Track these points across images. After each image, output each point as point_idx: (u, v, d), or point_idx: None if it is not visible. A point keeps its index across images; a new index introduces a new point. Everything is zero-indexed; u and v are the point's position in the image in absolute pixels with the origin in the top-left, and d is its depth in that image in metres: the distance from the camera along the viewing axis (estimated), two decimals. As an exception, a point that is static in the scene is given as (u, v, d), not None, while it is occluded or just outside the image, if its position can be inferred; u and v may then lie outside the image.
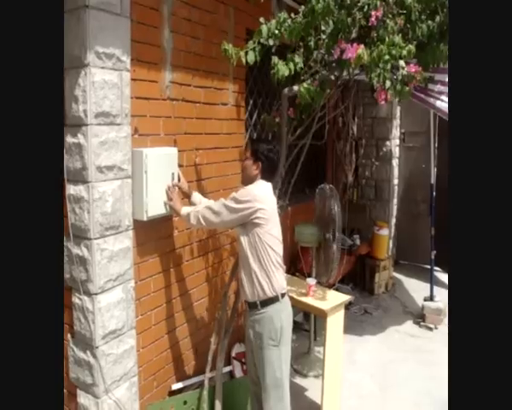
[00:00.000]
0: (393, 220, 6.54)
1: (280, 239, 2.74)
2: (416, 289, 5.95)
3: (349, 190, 6.15)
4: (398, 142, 6.47)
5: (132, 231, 2.76)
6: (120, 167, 2.61)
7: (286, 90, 3.03)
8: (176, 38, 2.96)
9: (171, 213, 2.91)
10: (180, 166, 3.08)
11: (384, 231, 5.87)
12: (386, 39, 2.60)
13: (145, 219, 2.75)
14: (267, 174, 2.76)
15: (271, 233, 2.65)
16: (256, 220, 2.59)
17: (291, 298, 3.39)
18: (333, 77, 2.94)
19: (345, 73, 2.96)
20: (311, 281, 3.47)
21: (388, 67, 2.59)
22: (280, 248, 2.73)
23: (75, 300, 2.64)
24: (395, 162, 6.44)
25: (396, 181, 6.50)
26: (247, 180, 2.75)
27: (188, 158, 3.20)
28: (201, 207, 2.76)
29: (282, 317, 2.67)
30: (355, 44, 2.57)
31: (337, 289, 5.12)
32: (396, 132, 6.40)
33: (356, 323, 5.01)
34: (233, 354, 3.78)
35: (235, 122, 3.70)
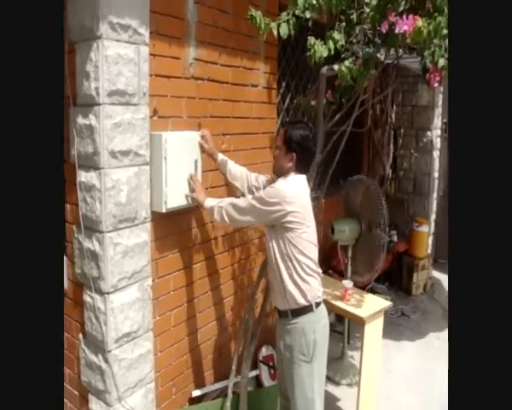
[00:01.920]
0: (433, 216, 6.12)
1: (315, 243, 2.42)
2: (457, 290, 5.52)
3: (386, 183, 5.77)
4: (439, 132, 6.03)
5: (150, 223, 2.50)
6: (137, 153, 2.34)
7: (324, 69, 2.70)
8: (201, 11, 2.66)
9: (193, 204, 2.63)
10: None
11: (424, 228, 5.49)
12: (445, 10, 2.23)
13: (164, 210, 2.48)
14: (302, 166, 2.42)
15: (305, 237, 2.33)
16: (287, 224, 2.28)
17: (324, 301, 3.09)
18: (379, 55, 2.59)
19: (392, 52, 2.61)
20: (348, 284, 3.15)
21: (446, 43, 2.23)
22: (315, 253, 2.41)
23: (86, 298, 2.40)
24: (436, 154, 6.00)
25: (436, 174, 6.07)
26: (279, 172, 2.43)
27: (214, 144, 2.90)
28: (226, 202, 2.46)
29: (315, 329, 2.37)
30: (410, 16, 2.22)
31: (372, 289, 4.81)
32: (438, 122, 5.97)
33: (392, 326, 4.65)
34: (260, 358, 3.49)
35: (266, 106, 3.38)
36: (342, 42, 2.46)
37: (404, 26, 2.24)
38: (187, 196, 2.59)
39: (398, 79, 5.61)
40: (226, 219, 2.42)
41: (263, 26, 2.36)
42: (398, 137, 5.90)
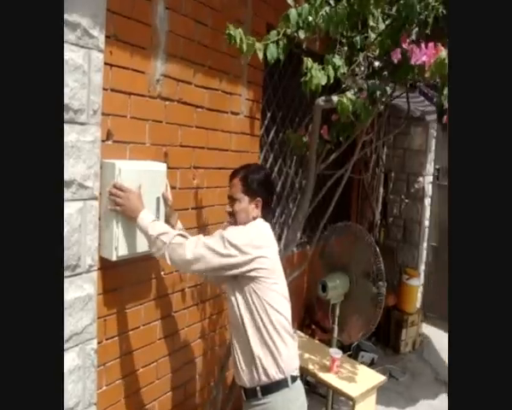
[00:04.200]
0: (422, 267, 5.73)
1: (287, 296, 1.98)
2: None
3: (375, 230, 5.35)
4: (431, 179, 5.71)
5: (97, 272, 2.00)
6: (82, 184, 1.86)
7: (321, 100, 2.29)
8: (173, 18, 2.23)
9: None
10: (172, 187, 2.33)
11: (414, 281, 5.06)
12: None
13: (114, 258, 1.99)
14: (267, 208, 2.05)
15: (275, 289, 1.90)
16: (253, 273, 1.84)
17: (308, 371, 2.60)
18: (388, 89, 2.19)
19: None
20: (336, 353, 2.67)
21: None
22: (287, 310, 1.97)
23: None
24: (427, 202, 5.65)
25: (427, 223, 5.71)
26: (245, 225, 1.99)
27: (182, 178, 2.45)
28: (173, 238, 1.89)
29: (290, 409, 1.90)
30: (431, 44, 1.84)
31: (358, 345, 4.35)
32: (430, 168, 5.64)
33: (379, 390, 4.14)
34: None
35: (248, 138, 2.94)
36: (344, 69, 2.05)
37: (423, 56, 1.86)
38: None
39: (389, 118, 5.30)
40: (169, 261, 1.89)
41: (244, 47, 1.95)
42: (388, 181, 5.53)
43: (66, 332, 1.89)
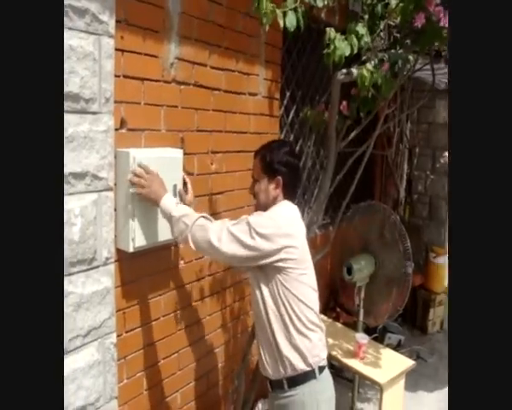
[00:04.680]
0: (450, 244, 5.57)
1: (315, 287, 1.89)
2: (478, 329, 4.95)
3: (400, 207, 5.22)
4: (458, 152, 5.51)
5: (115, 264, 1.95)
6: (96, 175, 1.80)
7: (340, 74, 2.17)
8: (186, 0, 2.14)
9: (170, 238, 2.04)
10: (189, 174, 2.26)
11: (441, 260, 4.92)
12: None
13: (131, 249, 1.94)
14: (292, 189, 1.93)
15: (303, 281, 1.81)
16: (280, 263, 1.75)
17: (333, 357, 2.53)
18: (411, 57, 2.06)
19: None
20: (362, 338, 2.60)
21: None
22: (316, 302, 1.89)
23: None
24: (454, 176, 5.47)
25: (454, 198, 5.54)
26: (265, 208, 1.90)
27: (200, 164, 2.37)
28: (196, 217, 1.82)
29: (319, 402, 1.83)
30: None
31: (384, 327, 4.26)
32: (456, 141, 5.45)
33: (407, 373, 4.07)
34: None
35: (267, 119, 2.84)
36: (367, 38, 1.93)
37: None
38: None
39: (412, 93, 5.11)
40: (192, 245, 1.81)
41: (268, 13, 1.82)
42: (412, 157, 5.36)
43: (84, 327, 1.86)
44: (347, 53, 1.90)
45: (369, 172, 5.01)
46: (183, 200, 2.08)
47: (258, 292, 1.84)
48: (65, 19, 1.61)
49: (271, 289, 1.79)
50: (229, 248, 1.74)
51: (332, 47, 1.86)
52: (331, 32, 1.87)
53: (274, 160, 1.86)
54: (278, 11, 1.79)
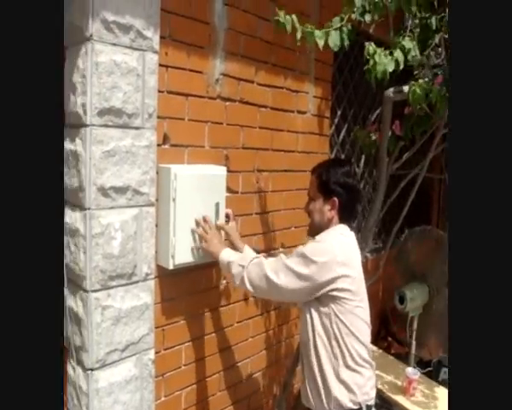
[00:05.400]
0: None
1: (368, 321, 1.77)
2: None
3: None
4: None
5: (155, 281, 1.94)
6: (137, 190, 1.80)
7: (390, 91, 2.08)
8: (233, 15, 2.12)
9: (208, 258, 2.02)
10: (233, 192, 2.23)
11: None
12: None
13: (171, 266, 1.92)
14: (348, 212, 1.81)
15: (358, 314, 1.70)
16: (336, 293, 1.65)
17: (381, 392, 2.38)
18: None
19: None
20: (413, 373, 2.42)
21: None
22: (367, 337, 1.76)
23: (69, 369, 1.88)
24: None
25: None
26: (319, 228, 1.82)
27: (245, 182, 2.33)
28: (250, 259, 1.82)
29: None
30: None
31: (440, 361, 4.01)
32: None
33: None
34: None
35: (316, 138, 2.77)
36: (416, 52, 1.83)
37: None
38: (195, 249, 1.97)
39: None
40: (248, 285, 1.78)
41: (298, 35, 1.79)
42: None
43: (122, 342, 1.85)
44: (391, 69, 1.80)
45: (424, 196, 4.80)
46: (228, 227, 2.08)
47: (308, 319, 1.74)
48: (109, 35, 1.64)
49: (322, 319, 1.70)
50: (286, 280, 1.68)
51: (372, 62, 1.78)
52: (370, 46, 1.79)
53: (330, 179, 1.77)
54: (318, 32, 1.75)
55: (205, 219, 1.95)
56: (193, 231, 1.95)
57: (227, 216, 2.10)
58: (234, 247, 2.04)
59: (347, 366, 1.68)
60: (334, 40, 1.85)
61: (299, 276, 1.66)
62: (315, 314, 1.72)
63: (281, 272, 1.70)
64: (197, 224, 1.95)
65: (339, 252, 1.67)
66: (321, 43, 1.81)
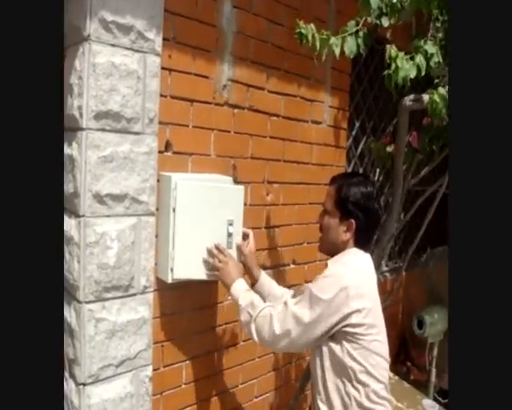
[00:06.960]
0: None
1: (387, 357, 1.61)
2: None
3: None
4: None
5: (154, 294, 1.85)
6: (136, 199, 1.72)
7: (408, 100, 1.95)
8: (242, 18, 2.03)
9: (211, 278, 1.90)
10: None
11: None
12: None
13: (169, 280, 1.82)
14: (365, 237, 1.67)
15: (374, 349, 1.55)
16: (348, 329, 1.51)
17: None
18: None
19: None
20: (431, 406, 2.26)
21: None
22: (385, 374, 1.60)
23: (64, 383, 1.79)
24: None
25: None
26: (332, 248, 1.69)
27: (254, 194, 2.23)
28: (260, 312, 1.65)
29: None
30: None
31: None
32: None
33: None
34: None
35: (332, 149, 2.65)
36: (438, 58, 1.70)
37: None
38: (200, 266, 1.84)
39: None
40: (255, 337, 1.65)
41: (317, 45, 1.69)
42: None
43: (117, 357, 1.76)
44: (413, 75, 1.68)
45: (442, 215, 4.60)
46: (242, 253, 1.91)
47: (317, 355, 1.61)
48: (108, 35, 1.58)
49: (335, 355, 1.55)
50: (296, 334, 1.56)
51: (393, 67, 1.66)
52: (392, 49, 1.68)
53: (349, 198, 1.62)
54: (333, 39, 1.64)
55: (217, 248, 1.81)
56: (197, 246, 1.83)
57: (245, 236, 1.94)
58: (250, 270, 1.93)
59: (361, 407, 1.53)
60: (350, 47, 1.76)
61: (309, 324, 1.53)
62: (325, 350, 1.58)
63: (289, 324, 1.55)
64: (209, 253, 1.82)
65: (352, 283, 1.52)
66: (337, 51, 1.71)
